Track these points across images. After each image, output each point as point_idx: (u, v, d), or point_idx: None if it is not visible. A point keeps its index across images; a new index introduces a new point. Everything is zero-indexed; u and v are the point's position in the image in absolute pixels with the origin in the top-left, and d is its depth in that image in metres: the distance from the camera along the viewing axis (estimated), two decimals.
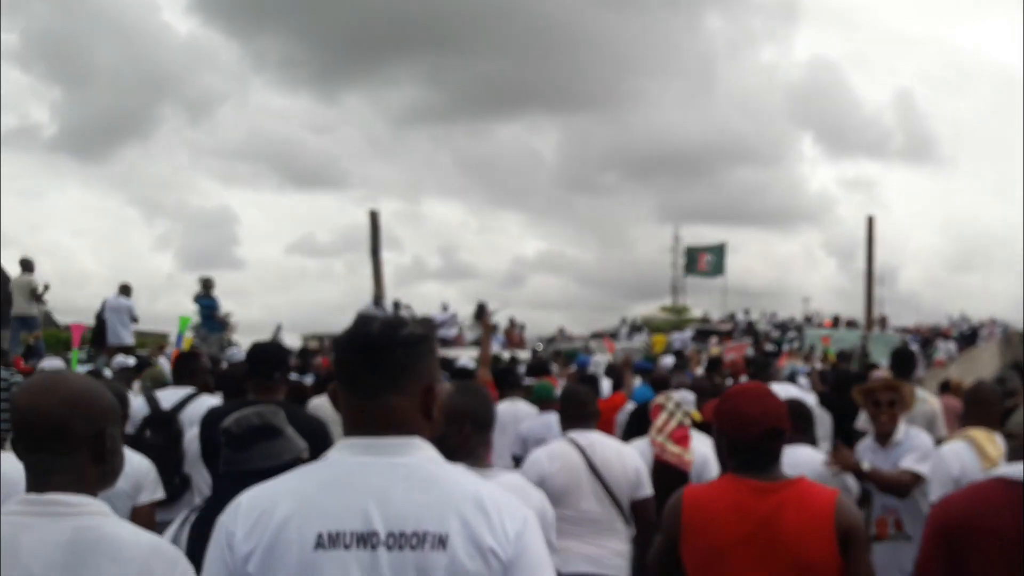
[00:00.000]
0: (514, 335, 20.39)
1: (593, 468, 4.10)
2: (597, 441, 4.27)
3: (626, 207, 67.39)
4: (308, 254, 58.76)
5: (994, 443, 4.04)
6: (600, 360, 11.10)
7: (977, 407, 4.32)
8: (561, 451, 4.19)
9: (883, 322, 19.29)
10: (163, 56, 54.66)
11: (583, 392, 4.62)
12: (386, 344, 1.68)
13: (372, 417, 1.68)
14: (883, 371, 10.74)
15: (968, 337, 22.58)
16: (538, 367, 8.62)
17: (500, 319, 20.45)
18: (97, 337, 14.36)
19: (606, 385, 8.47)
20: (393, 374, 1.68)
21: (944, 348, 19.80)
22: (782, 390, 6.21)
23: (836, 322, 20.07)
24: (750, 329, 25.40)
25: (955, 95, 69.07)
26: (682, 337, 22.93)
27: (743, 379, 8.92)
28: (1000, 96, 67.38)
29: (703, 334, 23.93)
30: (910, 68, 75.18)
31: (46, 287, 13.90)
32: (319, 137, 63.26)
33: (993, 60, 73.75)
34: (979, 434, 4.06)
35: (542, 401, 6.26)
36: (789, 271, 59.38)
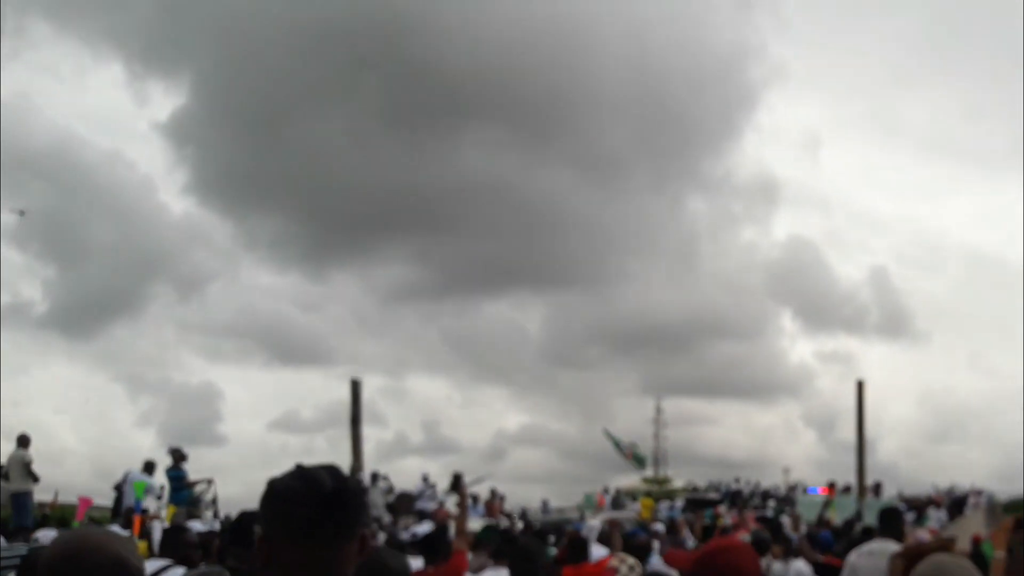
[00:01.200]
0: (494, 505, 20.22)
1: None
2: None
3: (609, 381, 68.13)
4: (291, 430, 58.05)
5: None
6: (593, 525, 10.94)
7: None
8: None
9: (877, 488, 19.29)
10: (157, 235, 56.05)
11: (532, 546, 4.80)
12: (346, 495, 1.75)
13: (323, 565, 1.72)
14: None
15: (957, 506, 22.60)
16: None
17: (482, 490, 20.29)
18: (115, 507, 14.22)
19: (596, 551, 8.44)
20: (349, 523, 1.75)
21: (936, 517, 19.69)
22: None
23: (833, 487, 20.00)
24: (736, 498, 25.21)
25: (927, 272, 71.75)
26: (672, 506, 22.69)
27: None
28: (970, 273, 69.97)
29: (693, 503, 23.66)
30: (883, 247, 78.29)
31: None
32: (307, 314, 64.10)
33: (962, 238, 76.95)
34: None
35: None
36: (769, 442, 59.62)
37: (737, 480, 30.14)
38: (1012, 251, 71.43)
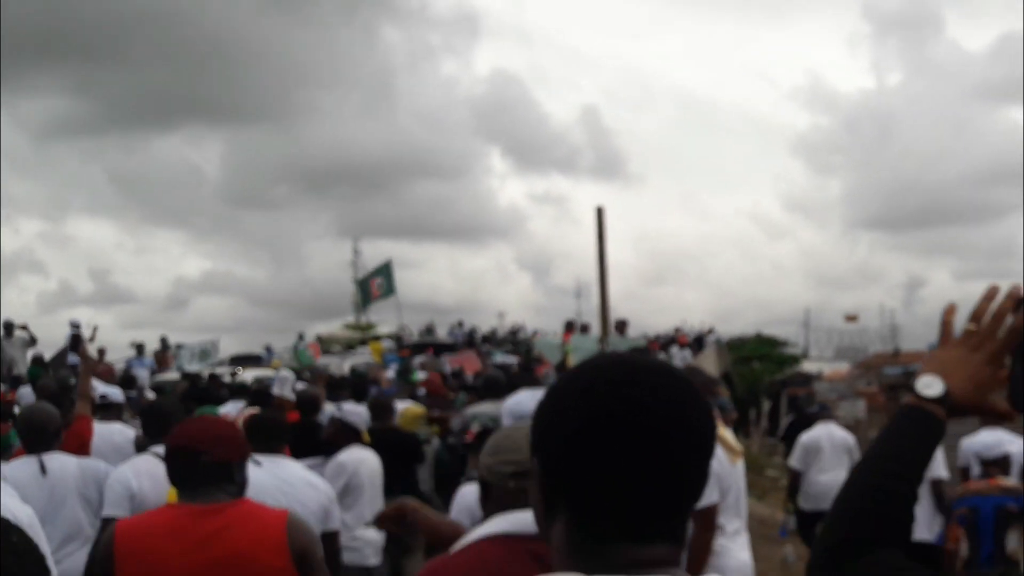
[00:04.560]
0: (166, 357, 17.16)
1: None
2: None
3: (300, 222, 63.20)
4: None
5: (726, 432, 4.43)
6: (286, 376, 8.64)
7: None
8: (147, 466, 4.12)
9: (622, 326, 17.73)
10: None
11: (164, 405, 4.83)
12: None
13: None
14: None
15: (697, 343, 22.19)
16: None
17: (148, 340, 17.26)
18: None
19: None
20: None
21: (680, 356, 18.60)
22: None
23: (571, 327, 18.31)
24: (470, 341, 23.26)
25: (638, 113, 72.86)
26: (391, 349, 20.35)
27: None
28: (682, 114, 71.93)
29: (420, 348, 21.40)
30: (592, 85, 78.21)
31: None
32: None
33: (673, 78, 78.88)
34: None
35: None
36: (481, 286, 58.25)
37: (460, 324, 28.16)
38: (722, 92, 74.27)
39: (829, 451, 8.34)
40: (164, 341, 18.45)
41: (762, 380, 26.03)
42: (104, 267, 57.29)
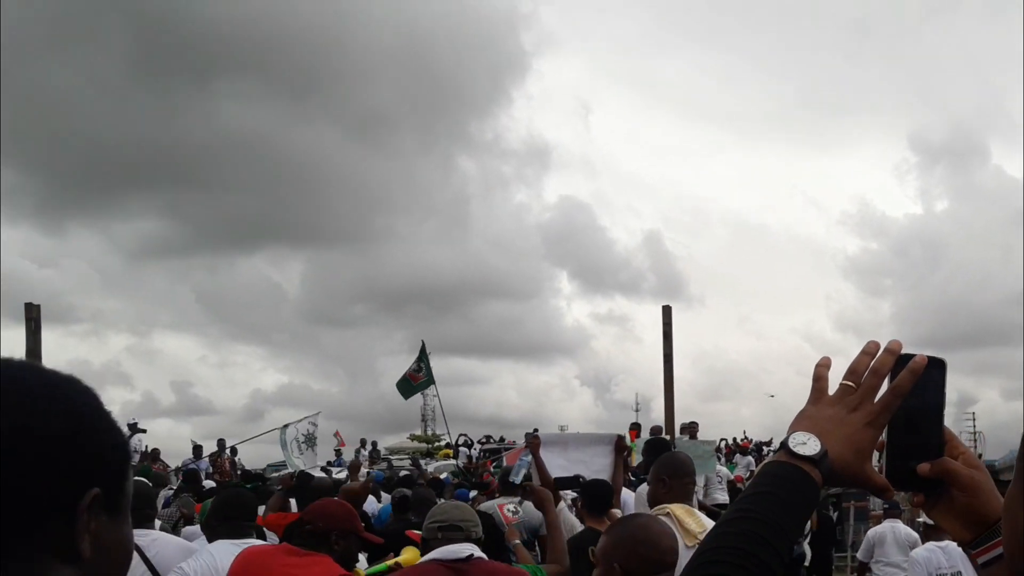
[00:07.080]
0: (222, 463, 17.06)
1: (151, 566, 4.04)
2: (159, 538, 4.30)
3: (375, 339, 65.27)
4: None
5: (694, 517, 3.82)
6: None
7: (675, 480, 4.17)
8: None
9: (692, 430, 18.35)
10: None
11: (140, 486, 4.62)
12: None
13: None
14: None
15: (758, 452, 22.79)
16: None
17: (209, 444, 17.89)
18: None
19: None
20: None
21: (743, 463, 19.22)
22: None
23: (638, 430, 18.97)
24: None
25: (696, 237, 75.20)
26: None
27: None
28: (737, 238, 73.92)
29: (492, 452, 22.35)
30: (653, 211, 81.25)
31: None
32: (41, 270, 57.15)
33: (726, 205, 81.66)
34: (677, 508, 3.84)
35: None
36: (545, 402, 59.21)
37: (535, 430, 29.02)
38: (775, 217, 75.95)
39: (892, 543, 9.02)
40: (221, 443, 18.32)
41: None
42: (186, 380, 59.58)
